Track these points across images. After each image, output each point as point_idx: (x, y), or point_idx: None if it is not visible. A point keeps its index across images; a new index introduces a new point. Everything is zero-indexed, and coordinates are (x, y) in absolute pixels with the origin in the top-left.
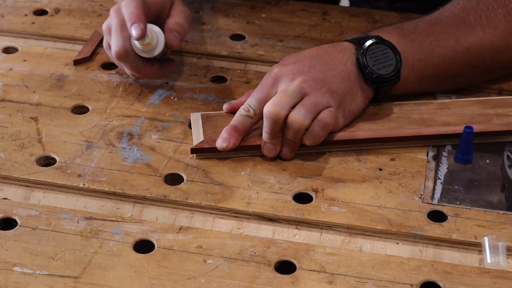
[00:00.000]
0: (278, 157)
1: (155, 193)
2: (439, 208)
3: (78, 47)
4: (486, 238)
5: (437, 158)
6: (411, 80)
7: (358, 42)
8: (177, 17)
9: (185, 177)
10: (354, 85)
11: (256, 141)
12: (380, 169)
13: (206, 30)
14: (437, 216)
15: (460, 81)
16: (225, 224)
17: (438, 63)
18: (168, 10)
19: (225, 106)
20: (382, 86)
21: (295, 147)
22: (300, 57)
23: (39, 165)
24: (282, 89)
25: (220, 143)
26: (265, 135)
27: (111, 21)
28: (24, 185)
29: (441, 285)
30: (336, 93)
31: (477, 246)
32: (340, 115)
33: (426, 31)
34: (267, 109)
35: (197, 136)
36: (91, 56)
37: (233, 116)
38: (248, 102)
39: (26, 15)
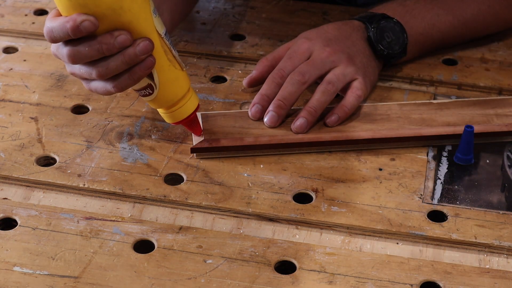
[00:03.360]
0: (278, 157)
1: (155, 193)
2: (439, 208)
3: None
4: None
5: (437, 158)
6: (412, 52)
7: (367, 21)
8: None
9: (185, 177)
10: (369, 59)
11: (256, 141)
12: (380, 169)
13: (206, 30)
14: (437, 216)
15: (451, 46)
16: (225, 224)
17: (437, 37)
18: None
19: (245, 82)
20: (391, 61)
21: (313, 119)
22: (324, 32)
23: (39, 165)
24: (312, 58)
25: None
26: (276, 102)
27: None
28: (24, 185)
29: (441, 285)
30: (359, 66)
31: (477, 246)
32: (366, 86)
33: (427, 7)
34: (297, 72)
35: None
36: None
37: (233, 115)
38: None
39: (26, 15)
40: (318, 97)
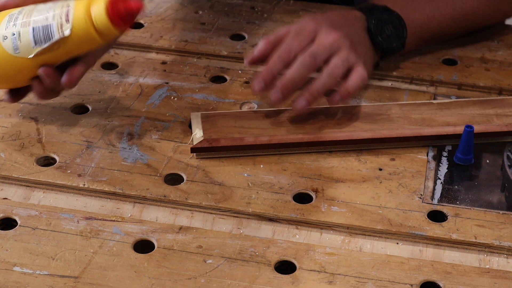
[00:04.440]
0: (278, 157)
1: (155, 193)
2: (439, 208)
3: None
4: None
5: (437, 158)
6: (410, 44)
7: (368, 12)
8: None
9: (185, 177)
10: (368, 50)
11: (256, 141)
12: (380, 169)
13: (206, 30)
14: (437, 216)
15: (450, 39)
16: (225, 224)
17: (437, 29)
18: None
19: (246, 61)
20: (389, 53)
21: (314, 99)
22: (329, 17)
23: (39, 165)
24: (320, 41)
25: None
26: (283, 82)
27: None
28: (24, 185)
29: (441, 285)
30: (360, 54)
31: (477, 246)
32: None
33: (427, 0)
34: (309, 55)
35: (197, 135)
36: None
37: (233, 115)
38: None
39: None
40: (324, 80)
